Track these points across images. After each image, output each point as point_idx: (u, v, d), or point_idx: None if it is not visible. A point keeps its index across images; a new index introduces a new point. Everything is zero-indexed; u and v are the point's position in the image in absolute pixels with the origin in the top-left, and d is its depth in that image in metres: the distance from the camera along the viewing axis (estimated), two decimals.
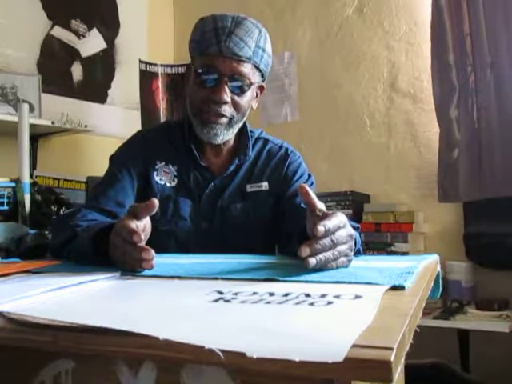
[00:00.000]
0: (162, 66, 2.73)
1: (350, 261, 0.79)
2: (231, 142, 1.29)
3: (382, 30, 2.63)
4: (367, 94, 2.66)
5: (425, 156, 2.49)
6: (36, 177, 2.29)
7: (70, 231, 1.03)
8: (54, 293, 0.62)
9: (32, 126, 2.05)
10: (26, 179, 1.87)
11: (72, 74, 2.66)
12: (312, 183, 1.31)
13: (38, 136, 2.40)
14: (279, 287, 0.61)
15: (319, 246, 0.72)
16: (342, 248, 0.76)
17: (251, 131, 1.32)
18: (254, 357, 0.35)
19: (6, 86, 2.27)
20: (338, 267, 0.76)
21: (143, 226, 0.83)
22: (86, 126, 2.42)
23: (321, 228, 0.72)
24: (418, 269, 0.74)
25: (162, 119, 2.69)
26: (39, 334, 0.46)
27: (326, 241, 0.73)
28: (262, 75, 1.23)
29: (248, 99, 1.21)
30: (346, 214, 2.60)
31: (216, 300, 0.54)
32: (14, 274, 0.80)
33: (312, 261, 0.71)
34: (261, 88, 1.27)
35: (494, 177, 2.16)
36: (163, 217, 1.22)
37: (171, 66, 2.74)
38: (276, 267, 0.83)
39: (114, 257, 0.83)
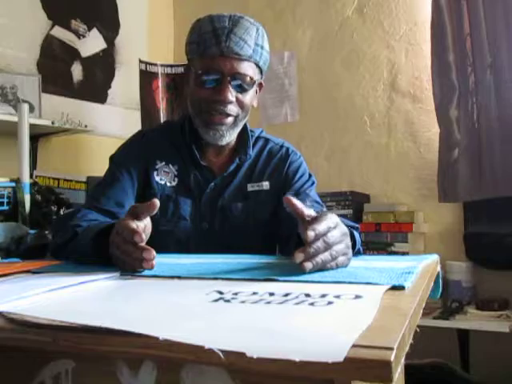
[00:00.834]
0: (161, 65, 2.73)
1: (349, 259, 0.79)
2: (232, 142, 1.29)
3: (382, 30, 2.63)
4: (367, 94, 2.66)
5: (425, 156, 2.49)
6: (36, 177, 2.29)
7: (70, 231, 1.03)
8: (54, 293, 0.62)
9: (32, 126, 2.04)
10: (26, 179, 1.87)
11: (72, 74, 2.65)
12: (313, 183, 1.31)
13: (38, 136, 2.39)
14: (279, 287, 0.61)
15: (313, 250, 0.72)
16: (339, 247, 0.76)
17: (251, 130, 1.33)
18: (254, 357, 0.35)
19: (6, 86, 2.27)
20: (338, 267, 0.76)
21: (144, 226, 0.83)
22: (86, 126, 2.42)
23: (310, 233, 0.72)
24: (417, 269, 0.74)
25: (162, 119, 2.69)
26: (39, 334, 0.46)
27: (319, 243, 0.73)
28: (261, 72, 1.24)
29: (251, 97, 1.22)
30: (346, 214, 2.57)
31: (216, 300, 0.54)
32: (14, 273, 0.80)
33: (308, 265, 0.71)
34: (260, 85, 1.28)
35: (494, 177, 2.16)
36: (163, 217, 1.22)
37: (171, 66, 2.74)
38: (276, 267, 0.83)
39: (114, 256, 0.83)
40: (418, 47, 2.53)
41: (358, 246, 0.99)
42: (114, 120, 2.80)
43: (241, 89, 1.18)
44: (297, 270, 0.71)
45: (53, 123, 2.27)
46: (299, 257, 0.71)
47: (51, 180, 2.40)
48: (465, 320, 2.03)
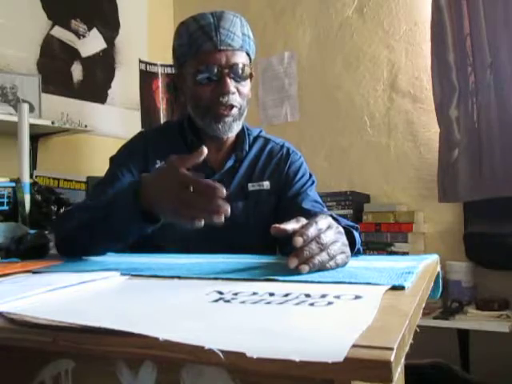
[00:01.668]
0: (161, 66, 2.73)
1: (348, 257, 0.79)
2: (232, 138, 1.30)
3: (382, 30, 2.63)
4: (367, 94, 2.66)
5: (425, 156, 2.49)
6: (36, 177, 2.29)
7: (84, 213, 1.04)
8: (54, 293, 0.62)
9: (32, 126, 2.04)
10: (26, 179, 1.87)
11: (72, 74, 2.66)
12: (313, 183, 1.31)
13: (38, 136, 2.40)
14: (279, 287, 0.61)
15: (306, 253, 0.71)
16: (335, 247, 0.76)
17: (248, 128, 1.33)
18: (254, 357, 0.35)
19: (6, 86, 2.27)
20: (338, 265, 0.76)
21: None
22: (86, 126, 2.42)
23: (299, 239, 0.72)
24: (417, 269, 0.74)
25: (162, 119, 2.69)
26: (39, 334, 0.46)
27: (313, 245, 0.72)
28: (250, 61, 1.27)
29: (249, 86, 1.25)
30: (346, 214, 2.57)
31: (216, 300, 0.54)
32: (14, 273, 0.80)
33: (304, 267, 0.71)
34: (251, 76, 1.30)
35: (494, 177, 2.16)
36: None
37: (171, 66, 2.74)
38: (276, 267, 0.83)
39: (167, 208, 0.83)
40: (417, 47, 2.53)
41: (358, 245, 0.99)
42: (114, 120, 2.80)
43: (239, 78, 1.20)
44: (297, 271, 0.71)
45: (53, 123, 2.27)
46: (293, 262, 0.71)
47: (51, 180, 2.40)
48: (465, 320, 2.03)
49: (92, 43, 2.76)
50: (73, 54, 2.66)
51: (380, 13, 2.64)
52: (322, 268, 0.73)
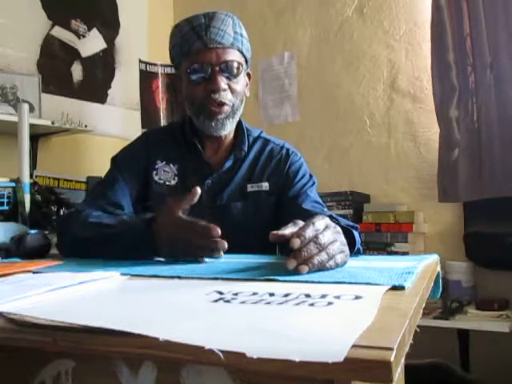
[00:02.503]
0: (161, 65, 2.73)
1: (347, 255, 0.79)
2: (230, 138, 1.31)
3: (382, 30, 2.63)
4: (367, 94, 2.66)
5: (425, 156, 2.48)
6: (36, 177, 2.29)
7: (96, 228, 1.06)
8: (54, 293, 0.61)
9: (32, 126, 2.04)
10: (26, 179, 1.86)
11: (72, 74, 2.65)
12: (314, 183, 1.31)
13: (38, 136, 2.39)
14: (279, 287, 0.61)
15: (305, 254, 0.71)
16: (334, 246, 0.76)
17: (248, 129, 1.34)
18: (254, 357, 0.35)
19: (6, 86, 2.27)
20: (337, 265, 0.76)
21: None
22: (86, 126, 2.42)
23: (296, 240, 0.72)
24: (417, 269, 0.74)
25: (162, 119, 2.69)
26: (39, 334, 0.46)
27: (311, 246, 0.72)
28: (246, 61, 1.27)
29: (242, 84, 1.26)
30: (346, 214, 2.57)
31: (216, 300, 0.54)
32: (14, 273, 0.80)
33: (303, 267, 0.71)
34: (248, 75, 1.32)
35: (494, 177, 2.16)
36: None
37: (171, 66, 2.72)
38: (276, 267, 0.83)
39: (175, 248, 0.94)
40: (417, 47, 2.53)
41: (358, 245, 0.99)
42: (114, 120, 2.80)
43: (231, 75, 1.21)
44: (297, 271, 0.71)
45: (53, 123, 2.27)
46: (291, 263, 0.71)
47: (51, 180, 2.40)
48: (465, 320, 2.03)
49: (92, 43, 2.76)
50: (73, 54, 2.66)
51: (380, 13, 2.64)
52: (321, 268, 0.73)
